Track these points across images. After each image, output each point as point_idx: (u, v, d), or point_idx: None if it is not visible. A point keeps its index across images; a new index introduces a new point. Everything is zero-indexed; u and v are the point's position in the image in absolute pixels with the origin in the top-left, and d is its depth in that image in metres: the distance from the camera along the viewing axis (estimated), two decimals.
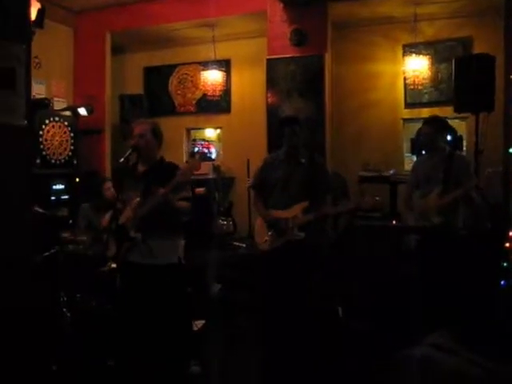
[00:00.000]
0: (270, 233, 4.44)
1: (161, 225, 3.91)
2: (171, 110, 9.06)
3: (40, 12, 5.78)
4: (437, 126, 4.80)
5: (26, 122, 2.80)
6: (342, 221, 5.96)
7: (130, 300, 3.95)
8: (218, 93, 8.40)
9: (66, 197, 7.17)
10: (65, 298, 4.78)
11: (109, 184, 5.58)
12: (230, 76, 8.61)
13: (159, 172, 3.91)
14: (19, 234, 2.89)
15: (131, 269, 3.94)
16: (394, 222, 6.07)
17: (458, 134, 6.78)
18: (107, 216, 4.16)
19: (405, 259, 5.01)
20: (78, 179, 7.30)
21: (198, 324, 5.06)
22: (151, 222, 3.85)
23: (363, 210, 5.41)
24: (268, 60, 7.19)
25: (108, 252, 4.15)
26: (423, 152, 5.41)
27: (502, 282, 4.70)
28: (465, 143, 7.07)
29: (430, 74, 7.24)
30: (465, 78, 5.64)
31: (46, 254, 4.94)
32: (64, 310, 4.71)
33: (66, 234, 5.41)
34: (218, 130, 9.35)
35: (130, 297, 3.96)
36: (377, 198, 4.46)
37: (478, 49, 6.97)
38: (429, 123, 4.83)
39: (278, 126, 4.97)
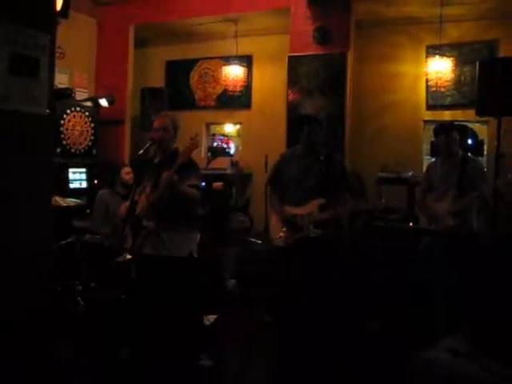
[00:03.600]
0: (284, 229, 4.43)
1: (173, 215, 3.93)
2: (192, 104, 9.08)
3: (65, 2, 5.80)
4: (454, 134, 4.78)
5: (48, 110, 2.82)
6: (358, 221, 5.93)
7: (143, 292, 3.98)
8: (238, 88, 8.40)
9: (85, 186, 7.23)
10: (80, 287, 4.83)
11: (128, 169, 5.61)
12: (251, 72, 8.60)
13: (172, 162, 3.90)
14: (39, 222, 2.91)
15: (145, 260, 3.98)
16: (411, 223, 6.03)
17: (479, 138, 6.71)
18: (123, 207, 4.18)
19: (421, 261, 4.97)
20: (96, 169, 7.35)
21: (210, 318, 5.08)
22: (163, 212, 3.88)
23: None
24: (290, 57, 7.16)
25: (125, 243, 4.18)
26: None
27: None
28: (486, 147, 6.99)
29: (453, 76, 7.17)
30: (488, 82, 5.57)
31: (63, 242, 4.99)
32: (78, 298, 4.75)
33: (83, 224, 5.46)
34: (238, 126, 9.36)
35: (143, 288, 3.99)
36: None
37: (503, 52, 6.89)
38: (446, 132, 4.79)
39: (296, 122, 4.96)
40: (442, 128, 4.91)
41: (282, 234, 4.43)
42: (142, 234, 3.94)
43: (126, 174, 5.57)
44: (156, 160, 4.11)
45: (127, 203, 4.07)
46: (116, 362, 4.16)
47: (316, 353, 4.12)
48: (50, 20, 2.90)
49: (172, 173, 3.74)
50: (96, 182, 7.26)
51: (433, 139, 7.03)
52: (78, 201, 5.56)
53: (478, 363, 1.38)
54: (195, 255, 4.11)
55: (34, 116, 2.76)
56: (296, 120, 5.06)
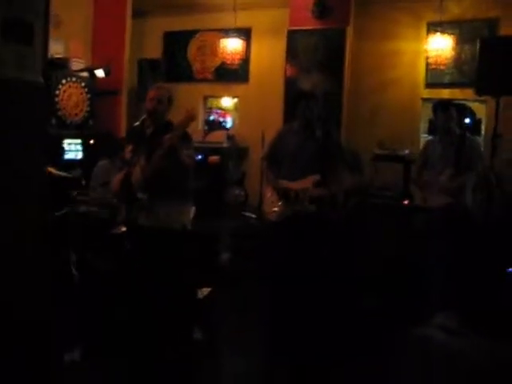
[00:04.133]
0: (279, 203, 4.43)
1: (167, 187, 3.92)
2: (189, 76, 9.00)
3: None
4: (452, 112, 4.77)
5: (41, 78, 2.78)
6: (353, 198, 5.93)
7: (136, 263, 4.00)
8: (236, 61, 8.32)
9: (80, 157, 7.19)
10: (74, 258, 4.83)
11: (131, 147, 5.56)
12: (249, 45, 8.51)
13: (164, 134, 3.86)
14: (32, 193, 2.89)
15: (138, 232, 3.98)
16: (406, 201, 6.04)
17: (477, 118, 6.69)
18: (115, 179, 4.16)
19: (415, 238, 4.99)
20: (93, 140, 7.31)
21: (204, 291, 5.09)
22: (157, 184, 3.86)
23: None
24: (289, 31, 7.10)
25: (119, 215, 4.17)
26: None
27: (510, 270, 4.69)
28: (483, 127, 6.97)
29: (453, 54, 7.11)
30: (488, 60, 5.53)
31: (58, 213, 4.98)
32: (72, 269, 4.76)
33: (79, 195, 5.44)
34: (235, 100, 9.29)
35: (137, 260, 4.01)
36: None
37: (504, 31, 6.82)
38: (444, 110, 4.78)
39: (293, 98, 4.93)
40: (441, 105, 4.89)
41: (275, 209, 4.43)
42: (136, 206, 3.93)
43: (129, 152, 5.52)
44: (148, 131, 4.07)
45: (120, 175, 4.05)
46: (109, 331, 4.17)
47: (309, 328, 4.15)
48: None
49: (175, 136, 3.72)
50: (93, 153, 7.20)
51: (431, 117, 7.04)
52: (70, 175, 5.53)
53: (469, 340, 1.39)
54: (189, 228, 4.11)
55: (27, 83, 2.71)
56: (293, 96, 5.03)
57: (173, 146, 3.74)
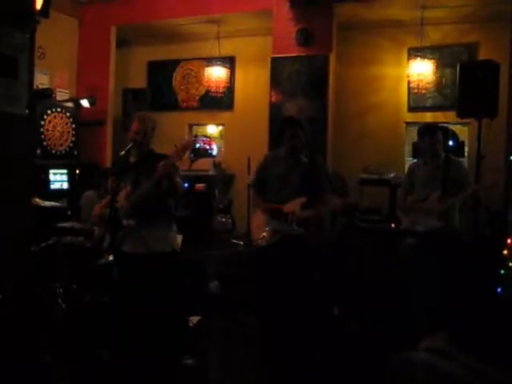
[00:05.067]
0: (267, 228, 4.43)
1: (152, 213, 3.94)
2: (174, 105, 9.05)
3: (46, 1, 5.74)
4: (439, 135, 4.81)
5: (27, 111, 2.79)
6: (339, 221, 5.95)
7: (125, 291, 3.97)
8: (221, 89, 8.40)
9: (66, 187, 7.16)
10: (60, 290, 4.77)
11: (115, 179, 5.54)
12: (233, 73, 8.59)
13: (149, 162, 3.92)
14: (18, 223, 2.87)
15: (126, 259, 3.98)
16: (392, 225, 6.06)
17: (460, 140, 6.77)
18: (97, 207, 4.17)
19: (402, 262, 4.99)
20: (78, 170, 7.29)
21: (194, 320, 5.05)
22: (143, 210, 3.88)
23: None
24: (272, 58, 7.17)
25: (103, 242, 4.15)
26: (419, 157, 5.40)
27: (499, 290, 4.69)
28: (466, 149, 7.05)
29: (434, 78, 7.24)
30: (469, 84, 5.62)
31: (43, 244, 4.93)
32: (59, 301, 4.70)
33: (67, 225, 5.40)
34: (220, 127, 9.34)
35: (125, 287, 3.98)
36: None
37: (483, 55, 6.96)
38: (432, 133, 4.81)
39: (279, 124, 4.97)
40: (428, 129, 4.92)
41: (264, 234, 4.44)
42: (121, 233, 3.93)
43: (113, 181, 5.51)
44: (132, 160, 4.10)
45: (102, 203, 4.10)
46: (97, 363, 4.12)
47: (297, 351, 4.13)
48: (28, 19, 2.87)
49: (169, 163, 3.75)
50: (78, 183, 7.19)
51: (415, 141, 7.10)
52: (58, 204, 5.50)
53: (458, 361, 1.38)
54: (177, 251, 4.12)
55: (12, 116, 2.72)
56: (279, 123, 5.07)
57: (167, 173, 3.76)
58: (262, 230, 4.47)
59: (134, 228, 3.89)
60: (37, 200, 4.99)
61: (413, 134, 7.49)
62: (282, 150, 4.61)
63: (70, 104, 7.47)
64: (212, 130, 9.64)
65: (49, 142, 6.94)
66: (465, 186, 4.64)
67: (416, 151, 6.96)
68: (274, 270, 4.33)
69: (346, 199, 4.76)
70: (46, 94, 6.89)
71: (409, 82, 7.45)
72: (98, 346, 4.26)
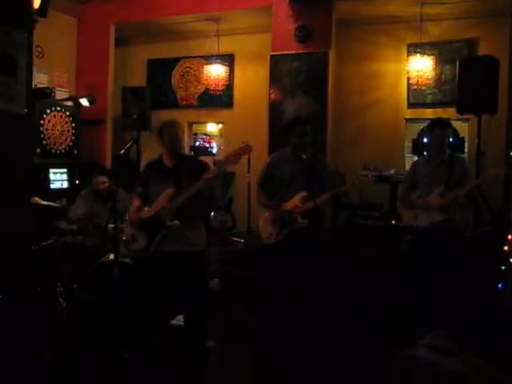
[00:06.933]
0: (275, 226, 4.53)
1: (194, 213, 4.16)
2: (173, 103, 9.02)
3: (44, 1, 5.73)
4: (449, 131, 4.80)
5: (26, 110, 2.78)
6: (341, 218, 5.97)
7: (159, 289, 4.12)
8: (220, 87, 8.38)
9: (66, 186, 7.16)
10: (61, 289, 4.78)
11: (102, 179, 5.53)
12: (233, 71, 8.57)
13: (188, 166, 4.23)
14: (18, 222, 2.87)
15: (167, 258, 4.09)
16: (393, 221, 6.05)
17: (460, 136, 6.76)
18: (132, 209, 4.27)
19: (403, 258, 4.99)
20: (78, 169, 7.29)
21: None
22: (186, 211, 4.04)
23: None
24: (272, 56, 7.16)
25: (136, 244, 4.17)
26: (425, 153, 5.37)
27: (500, 285, 4.70)
28: (466, 145, 7.04)
29: (433, 74, 7.21)
30: (468, 80, 5.62)
31: (44, 243, 4.93)
32: (60, 300, 4.70)
33: (64, 225, 5.40)
34: (220, 125, 9.33)
35: (157, 285, 4.12)
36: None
37: (483, 51, 6.94)
38: (442, 126, 4.78)
39: (285, 124, 5.09)
40: (439, 121, 4.88)
41: (272, 232, 4.55)
42: (163, 233, 4.06)
43: (102, 183, 5.52)
44: (168, 164, 4.25)
45: (133, 207, 4.25)
46: (99, 361, 4.11)
47: (297, 349, 4.17)
48: (27, 18, 2.86)
49: (213, 175, 4.00)
50: (77, 182, 7.20)
51: (415, 137, 7.10)
52: (57, 205, 5.51)
53: (458, 358, 1.38)
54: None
55: (11, 115, 2.71)
56: (287, 122, 5.15)
57: (209, 186, 4.02)
58: (269, 228, 4.56)
59: (179, 228, 4.04)
60: (36, 199, 4.99)
61: (413, 131, 7.48)
62: (286, 151, 4.72)
63: (69, 103, 7.47)
64: (212, 128, 9.63)
65: (48, 141, 6.94)
66: (466, 181, 4.63)
67: (416, 148, 6.95)
68: (279, 268, 4.43)
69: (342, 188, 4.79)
70: (46, 93, 6.88)
71: (408, 79, 7.42)
72: (99, 345, 4.26)
